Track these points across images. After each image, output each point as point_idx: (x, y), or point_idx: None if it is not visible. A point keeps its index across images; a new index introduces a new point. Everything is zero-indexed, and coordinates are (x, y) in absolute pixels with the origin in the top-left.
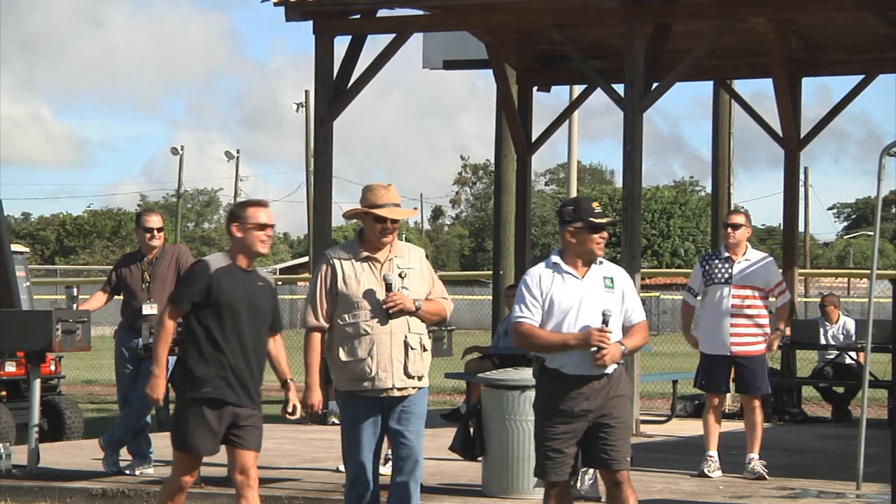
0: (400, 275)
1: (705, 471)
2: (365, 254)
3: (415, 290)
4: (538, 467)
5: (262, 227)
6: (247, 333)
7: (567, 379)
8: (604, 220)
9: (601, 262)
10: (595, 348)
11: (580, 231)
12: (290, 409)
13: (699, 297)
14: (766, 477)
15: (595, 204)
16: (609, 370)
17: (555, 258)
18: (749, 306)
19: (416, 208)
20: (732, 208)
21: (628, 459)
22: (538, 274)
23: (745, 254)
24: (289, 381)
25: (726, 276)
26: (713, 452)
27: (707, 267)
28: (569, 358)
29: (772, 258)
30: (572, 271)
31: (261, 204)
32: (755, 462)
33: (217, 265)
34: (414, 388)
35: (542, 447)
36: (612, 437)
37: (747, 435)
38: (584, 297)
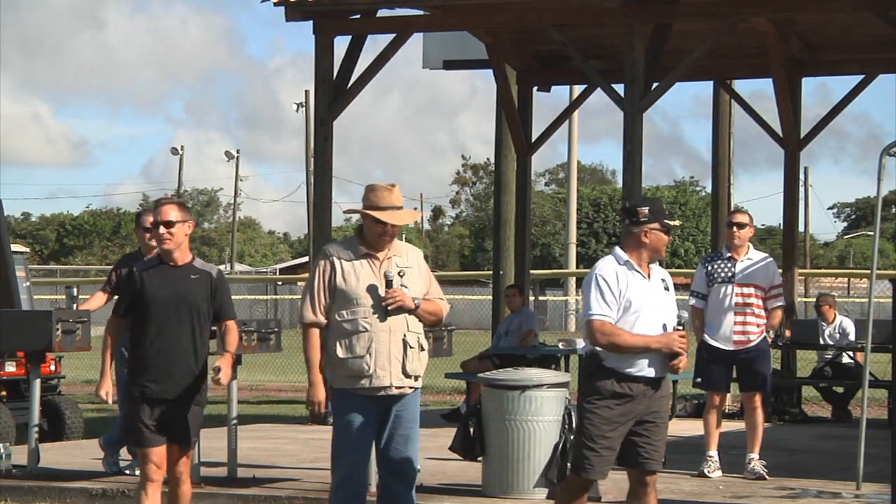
0: (399, 273)
1: (705, 471)
2: (364, 251)
3: (413, 289)
4: (584, 464)
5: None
6: (176, 328)
7: (628, 378)
8: (676, 223)
9: (657, 265)
10: (672, 352)
11: (655, 232)
12: (213, 374)
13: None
14: (766, 477)
15: (664, 206)
16: (662, 374)
17: (624, 255)
18: (752, 304)
19: (416, 208)
20: (735, 208)
21: (662, 461)
22: (615, 271)
23: (747, 253)
24: (229, 352)
25: (729, 274)
26: (713, 452)
27: (710, 268)
28: (638, 359)
29: (773, 259)
30: (641, 271)
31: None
32: (755, 462)
33: (143, 267)
34: (410, 387)
35: (593, 445)
36: (654, 436)
37: (748, 435)
38: (650, 298)
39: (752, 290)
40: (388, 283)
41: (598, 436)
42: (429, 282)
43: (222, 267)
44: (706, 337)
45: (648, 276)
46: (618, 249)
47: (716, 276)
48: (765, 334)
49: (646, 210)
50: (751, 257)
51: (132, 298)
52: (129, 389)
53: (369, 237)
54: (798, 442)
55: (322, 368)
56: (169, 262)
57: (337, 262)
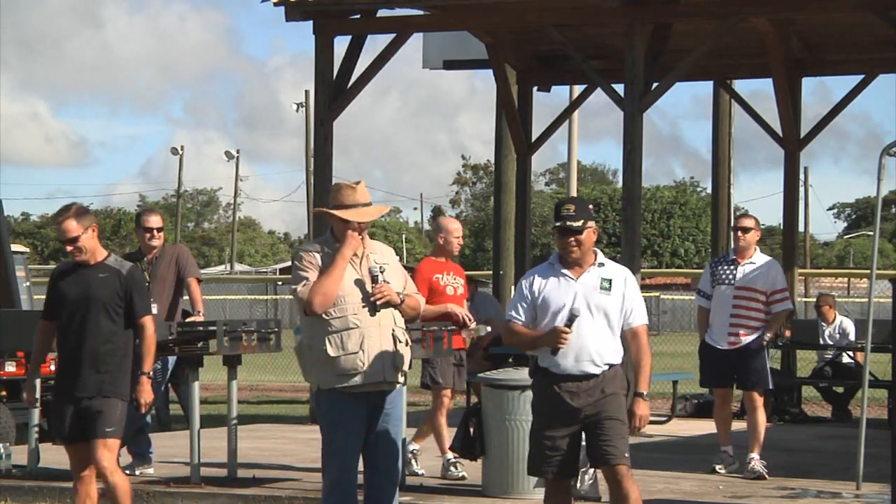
0: (380, 269)
1: (717, 467)
2: None
3: (392, 285)
4: (529, 463)
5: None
6: (82, 326)
7: (555, 377)
8: (572, 224)
9: (601, 264)
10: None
11: (555, 233)
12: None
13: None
14: (766, 477)
15: (570, 206)
16: (597, 371)
17: (552, 259)
18: (749, 307)
19: (387, 204)
20: (742, 212)
21: (626, 455)
22: (533, 276)
23: (751, 257)
24: (143, 374)
25: (730, 277)
26: (726, 448)
27: (715, 269)
28: (564, 358)
29: (778, 264)
30: (567, 272)
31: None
32: (755, 462)
33: (61, 268)
34: (398, 382)
35: (534, 443)
36: (605, 433)
37: (749, 434)
38: (575, 298)
39: (750, 294)
40: (374, 279)
41: (543, 435)
42: (404, 278)
43: (222, 267)
44: (705, 336)
45: (577, 277)
46: (555, 253)
47: (718, 278)
48: (758, 334)
49: (554, 211)
50: (754, 261)
51: (49, 300)
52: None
53: (341, 237)
54: (798, 442)
55: (304, 374)
56: (83, 262)
57: (319, 260)
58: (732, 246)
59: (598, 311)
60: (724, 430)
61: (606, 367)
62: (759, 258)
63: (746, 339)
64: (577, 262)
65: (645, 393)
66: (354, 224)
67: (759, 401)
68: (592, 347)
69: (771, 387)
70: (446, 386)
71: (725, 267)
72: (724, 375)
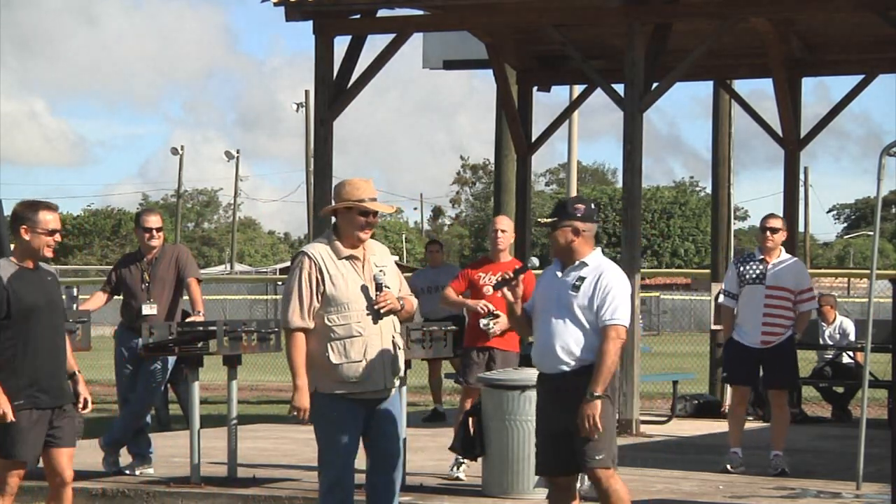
0: (382, 273)
1: (728, 467)
2: (347, 252)
3: (392, 288)
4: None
5: (52, 232)
6: (50, 331)
7: (540, 376)
8: (545, 220)
9: (582, 264)
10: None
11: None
12: (81, 404)
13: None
14: (788, 473)
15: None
16: (567, 368)
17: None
18: (781, 306)
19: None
20: (769, 213)
21: (597, 458)
22: (546, 270)
23: (779, 256)
24: (77, 373)
25: (761, 276)
26: (736, 449)
27: (741, 269)
28: (534, 353)
29: (803, 263)
30: (559, 270)
31: (51, 208)
32: (778, 459)
33: (7, 273)
34: (395, 387)
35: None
36: (578, 437)
37: (773, 431)
38: (554, 295)
39: (781, 293)
40: (378, 287)
41: (537, 433)
42: (399, 279)
43: (222, 267)
44: (734, 334)
45: (561, 276)
46: None
47: (747, 276)
48: (790, 332)
49: None
50: (782, 260)
51: (5, 307)
52: (14, 404)
53: (349, 233)
54: (798, 442)
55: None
56: (28, 265)
57: (322, 264)
58: (759, 245)
59: (565, 309)
60: (738, 430)
61: (576, 364)
62: (786, 257)
63: (780, 337)
64: (565, 260)
65: (593, 393)
66: (365, 220)
67: (786, 399)
68: (557, 344)
69: (798, 386)
70: (471, 385)
71: (754, 265)
72: (752, 374)
